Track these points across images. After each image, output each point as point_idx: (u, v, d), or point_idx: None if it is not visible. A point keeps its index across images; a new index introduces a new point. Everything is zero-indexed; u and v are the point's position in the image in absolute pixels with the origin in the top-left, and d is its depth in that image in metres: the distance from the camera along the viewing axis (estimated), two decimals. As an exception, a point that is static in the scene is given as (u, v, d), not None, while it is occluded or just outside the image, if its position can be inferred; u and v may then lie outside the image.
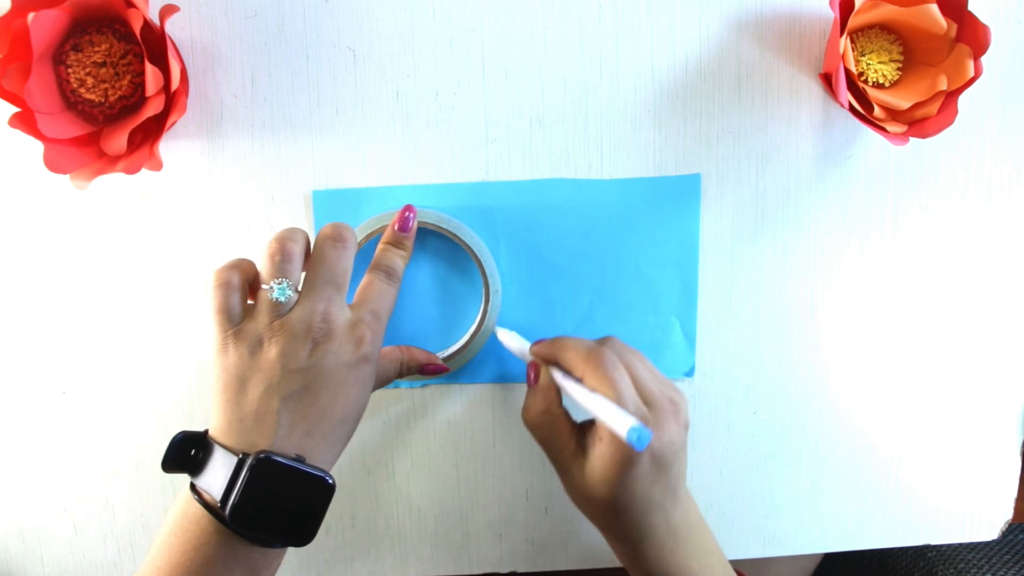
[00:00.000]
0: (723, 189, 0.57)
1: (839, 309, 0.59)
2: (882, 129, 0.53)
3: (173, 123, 0.49)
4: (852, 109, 0.52)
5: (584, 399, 0.46)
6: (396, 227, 0.52)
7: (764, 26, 0.55)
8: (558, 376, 0.49)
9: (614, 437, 0.45)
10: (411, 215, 0.52)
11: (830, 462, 0.61)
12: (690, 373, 0.58)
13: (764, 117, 0.56)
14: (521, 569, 0.61)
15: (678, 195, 0.56)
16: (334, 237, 0.48)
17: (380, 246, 0.52)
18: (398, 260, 0.51)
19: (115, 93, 0.50)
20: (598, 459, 0.46)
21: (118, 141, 0.49)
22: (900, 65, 0.55)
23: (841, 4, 0.51)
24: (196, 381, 0.58)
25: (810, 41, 0.55)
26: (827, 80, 0.55)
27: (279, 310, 0.46)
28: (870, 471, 0.62)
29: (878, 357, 0.60)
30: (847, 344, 0.60)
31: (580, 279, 0.57)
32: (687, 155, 0.56)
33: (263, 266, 0.47)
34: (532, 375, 0.51)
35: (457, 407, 0.59)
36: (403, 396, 0.58)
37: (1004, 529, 0.63)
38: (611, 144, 0.56)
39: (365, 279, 0.50)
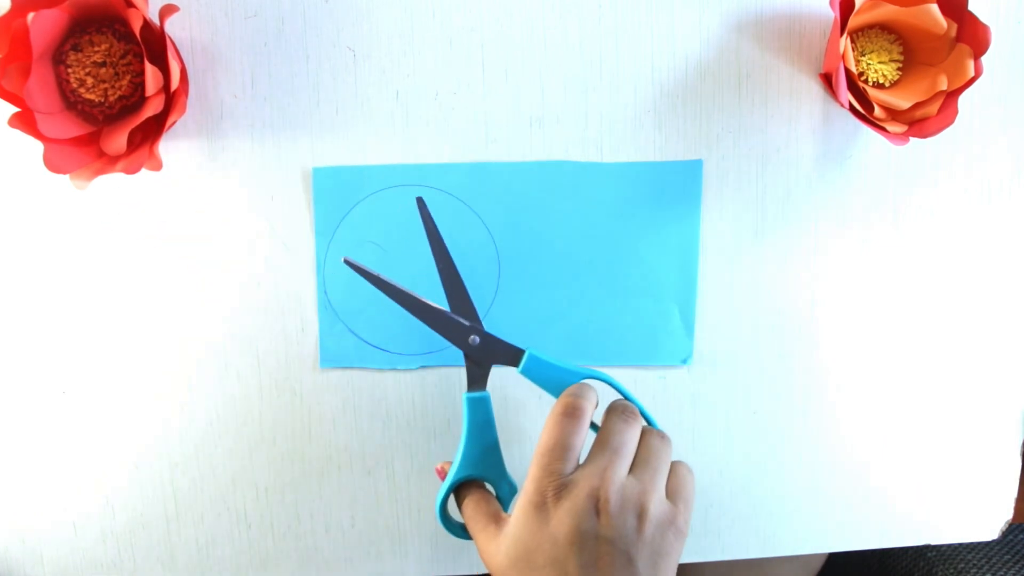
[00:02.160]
0: (723, 189, 0.56)
1: (839, 309, 0.59)
2: (882, 129, 0.52)
3: (173, 123, 0.49)
4: (852, 109, 0.52)
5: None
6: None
7: (764, 26, 0.55)
8: None
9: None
10: None
11: (830, 462, 0.61)
12: (687, 360, 0.58)
13: (764, 117, 0.56)
14: (521, 569, 0.61)
15: (680, 181, 0.56)
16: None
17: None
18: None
19: (115, 93, 0.50)
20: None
21: (118, 141, 0.49)
22: (900, 65, 0.54)
23: (841, 4, 0.51)
24: (196, 380, 0.57)
25: (810, 41, 0.55)
26: (827, 80, 0.54)
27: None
28: (870, 471, 0.61)
29: (878, 357, 0.60)
30: (847, 344, 0.59)
31: (579, 262, 0.56)
32: (687, 155, 0.56)
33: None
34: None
35: (458, 407, 0.58)
36: (403, 396, 0.58)
37: (1004, 529, 0.63)
38: (611, 144, 0.55)
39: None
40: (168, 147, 0.54)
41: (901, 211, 0.58)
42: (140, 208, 0.55)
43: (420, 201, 0.51)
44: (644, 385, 0.58)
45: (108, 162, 0.50)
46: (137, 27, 0.47)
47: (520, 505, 0.43)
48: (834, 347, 0.59)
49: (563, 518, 0.41)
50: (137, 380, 0.57)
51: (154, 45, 0.49)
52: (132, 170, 0.48)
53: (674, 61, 0.55)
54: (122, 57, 0.50)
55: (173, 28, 0.52)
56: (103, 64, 0.49)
